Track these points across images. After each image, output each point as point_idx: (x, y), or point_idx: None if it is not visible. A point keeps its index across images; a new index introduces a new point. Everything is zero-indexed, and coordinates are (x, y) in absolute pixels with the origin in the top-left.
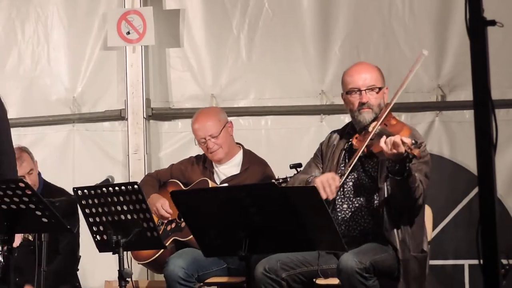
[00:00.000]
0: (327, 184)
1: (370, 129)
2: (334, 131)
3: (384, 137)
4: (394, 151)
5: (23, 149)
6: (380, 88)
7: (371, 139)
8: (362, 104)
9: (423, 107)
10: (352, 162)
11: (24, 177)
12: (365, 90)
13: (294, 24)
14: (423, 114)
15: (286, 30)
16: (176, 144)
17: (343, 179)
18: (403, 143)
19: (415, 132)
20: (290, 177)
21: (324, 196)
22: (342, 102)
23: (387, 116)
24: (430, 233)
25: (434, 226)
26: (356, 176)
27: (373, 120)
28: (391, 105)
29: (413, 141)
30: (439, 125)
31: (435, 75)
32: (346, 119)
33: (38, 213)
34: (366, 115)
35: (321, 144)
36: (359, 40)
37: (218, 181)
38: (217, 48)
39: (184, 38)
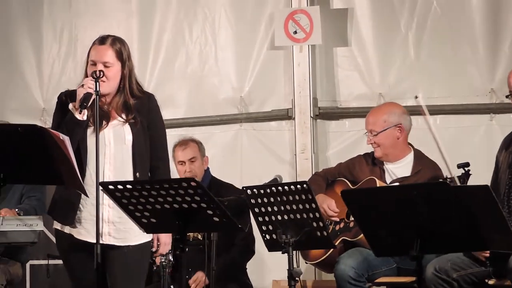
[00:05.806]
0: None
1: None
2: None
3: None
4: None
5: (192, 139)
6: None
7: None
8: None
9: None
10: None
11: (184, 163)
12: None
13: (463, 22)
14: None
15: (455, 28)
16: (344, 143)
17: None
18: None
19: None
20: (458, 176)
21: None
22: None
23: None
24: None
25: None
26: None
27: None
28: None
29: None
30: None
31: None
32: None
33: (210, 212)
34: None
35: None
36: None
37: (388, 180)
38: (385, 47)
39: (352, 37)
